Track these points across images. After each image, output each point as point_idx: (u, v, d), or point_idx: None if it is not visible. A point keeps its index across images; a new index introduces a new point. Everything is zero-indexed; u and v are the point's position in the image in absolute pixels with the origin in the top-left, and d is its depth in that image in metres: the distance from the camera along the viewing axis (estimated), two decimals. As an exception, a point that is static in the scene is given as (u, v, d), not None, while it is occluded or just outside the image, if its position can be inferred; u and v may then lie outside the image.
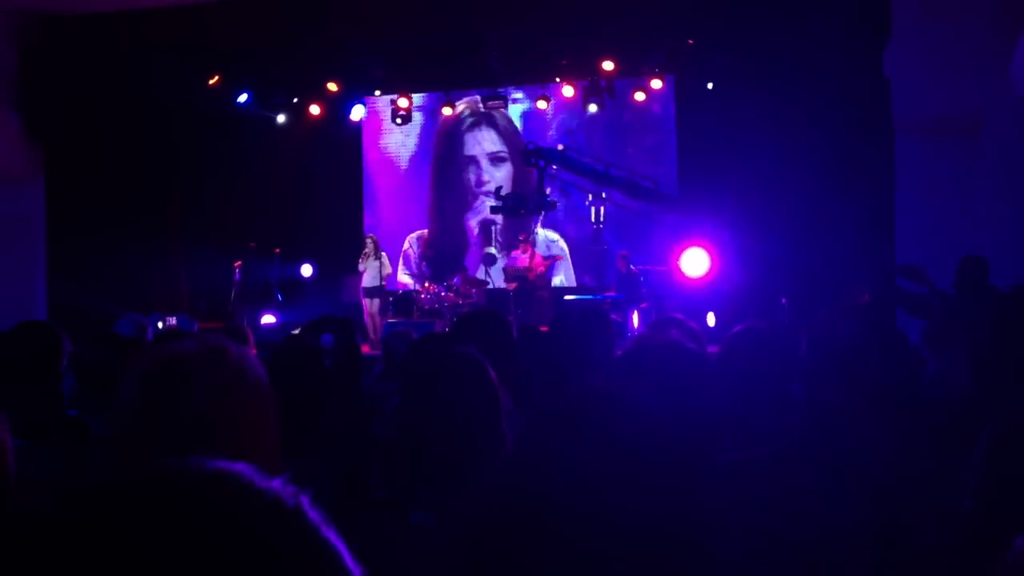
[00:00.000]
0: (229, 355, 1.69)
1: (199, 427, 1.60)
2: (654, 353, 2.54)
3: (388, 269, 16.67)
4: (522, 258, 16.28)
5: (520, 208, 15.32)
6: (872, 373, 2.79)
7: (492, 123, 18.70)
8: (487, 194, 17.78)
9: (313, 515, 0.76)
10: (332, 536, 0.76)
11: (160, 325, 11.87)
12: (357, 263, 16.47)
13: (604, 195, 15.99)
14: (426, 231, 19.04)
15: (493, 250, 18.04)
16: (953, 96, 11.13)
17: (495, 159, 18.69)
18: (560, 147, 16.39)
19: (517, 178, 18.15)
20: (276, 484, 0.76)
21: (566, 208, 17.78)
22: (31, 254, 14.12)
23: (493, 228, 18.65)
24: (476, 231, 18.75)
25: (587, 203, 16.77)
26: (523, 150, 15.64)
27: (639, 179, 15.43)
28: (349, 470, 2.96)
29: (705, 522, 1.35)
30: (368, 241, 16.63)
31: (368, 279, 16.21)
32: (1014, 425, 2.04)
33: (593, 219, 16.32)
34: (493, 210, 16.04)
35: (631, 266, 15.49)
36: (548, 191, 15.68)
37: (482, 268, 17.47)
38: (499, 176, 18.35)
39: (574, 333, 4.14)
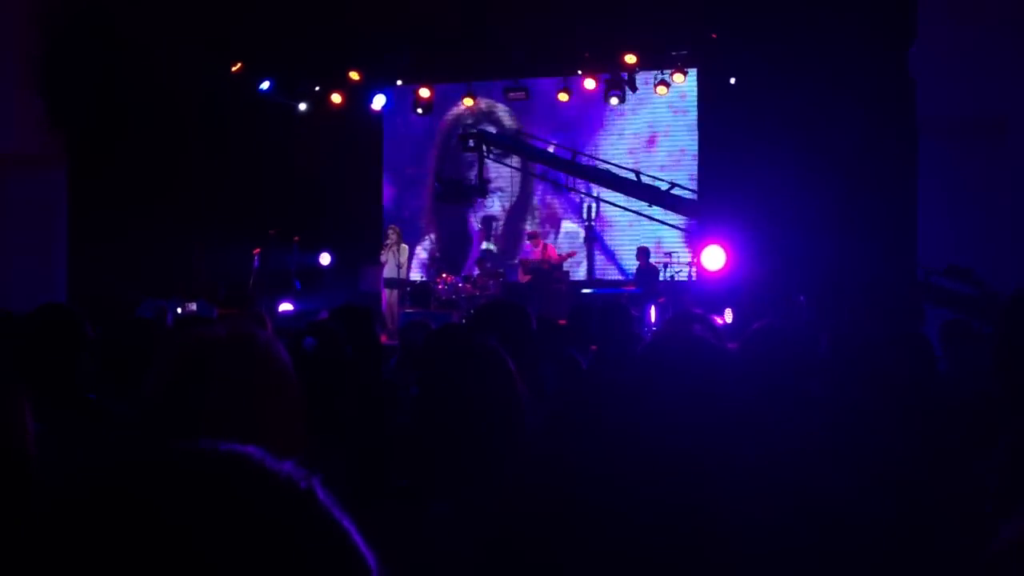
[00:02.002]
0: (257, 341, 1.70)
1: (226, 411, 1.60)
2: (676, 348, 2.53)
3: (404, 258, 16.62)
4: (535, 251, 16.32)
5: (454, 194, 14.73)
6: (893, 372, 2.77)
7: (494, 119, 18.62)
8: (491, 190, 17.82)
9: (324, 498, 0.76)
10: (343, 519, 0.76)
11: (179, 311, 11.92)
12: (376, 252, 16.51)
13: (596, 192, 15.60)
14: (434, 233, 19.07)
15: (491, 246, 17.94)
16: (978, 97, 11.06)
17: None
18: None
19: (523, 174, 18.11)
20: (288, 466, 0.76)
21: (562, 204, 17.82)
22: (53, 237, 14.20)
23: (494, 224, 18.64)
24: (478, 227, 18.73)
25: (578, 200, 16.69)
26: (461, 133, 14.95)
27: (619, 169, 14.46)
28: (368, 459, 2.97)
29: (724, 517, 1.35)
30: (391, 232, 16.64)
31: (389, 269, 16.23)
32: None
33: (584, 216, 16.12)
34: (436, 196, 15.61)
35: (650, 261, 15.46)
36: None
37: (487, 264, 17.38)
38: (503, 172, 18.25)
39: (594, 327, 4.13)
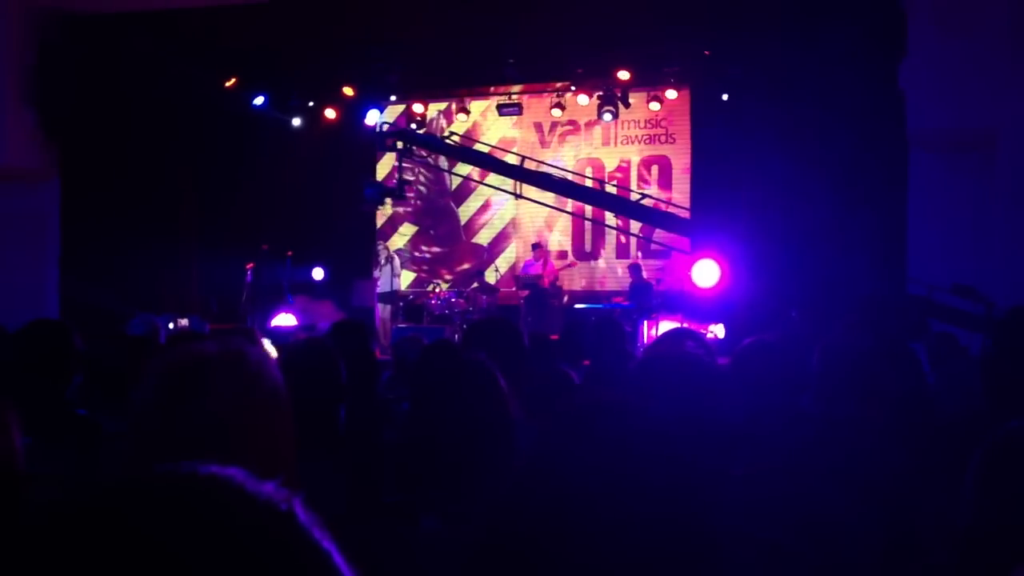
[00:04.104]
0: (248, 358, 1.69)
1: (215, 429, 1.59)
2: (668, 365, 2.53)
3: (398, 272, 16.61)
4: (535, 265, 16.30)
5: (372, 197, 14.27)
6: (884, 386, 2.78)
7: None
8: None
9: (305, 519, 0.75)
10: (325, 540, 0.75)
11: (172, 325, 11.89)
12: (369, 267, 16.52)
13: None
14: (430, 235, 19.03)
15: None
16: (968, 111, 11.09)
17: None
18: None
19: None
20: (269, 488, 0.75)
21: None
22: (45, 251, 14.16)
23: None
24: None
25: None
26: (380, 131, 14.35)
27: (573, 176, 14.00)
28: (360, 475, 2.97)
29: (716, 535, 1.35)
30: (383, 247, 16.65)
31: (383, 284, 16.23)
32: (1008, 446, 1.99)
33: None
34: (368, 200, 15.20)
35: (643, 276, 15.47)
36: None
37: (496, 273, 17.45)
38: (509, 183, 18.23)
39: (586, 342, 4.13)
